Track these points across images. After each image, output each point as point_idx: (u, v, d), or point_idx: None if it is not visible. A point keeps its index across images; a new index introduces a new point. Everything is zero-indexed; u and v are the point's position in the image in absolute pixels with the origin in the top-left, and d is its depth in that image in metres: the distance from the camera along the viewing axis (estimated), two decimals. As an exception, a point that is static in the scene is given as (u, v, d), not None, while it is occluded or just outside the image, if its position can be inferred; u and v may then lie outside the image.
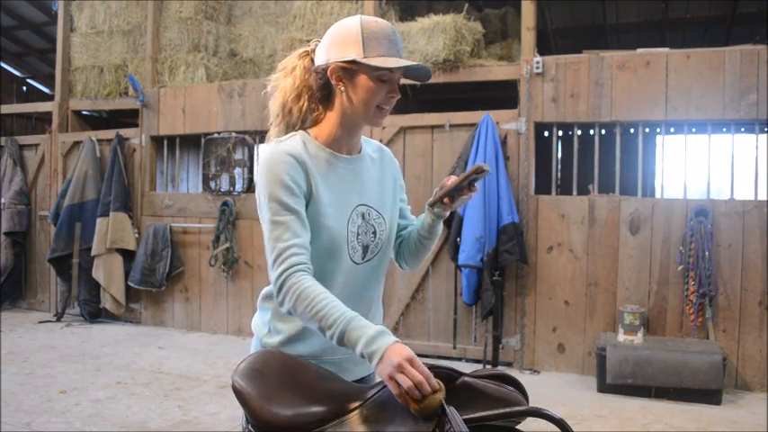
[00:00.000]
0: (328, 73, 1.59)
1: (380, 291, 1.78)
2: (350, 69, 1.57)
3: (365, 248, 1.65)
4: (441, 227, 1.77)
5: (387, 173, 1.78)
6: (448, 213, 1.74)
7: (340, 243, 1.59)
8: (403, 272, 5.66)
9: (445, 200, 1.64)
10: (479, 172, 1.56)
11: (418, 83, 6.17)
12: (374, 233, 1.67)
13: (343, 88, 1.59)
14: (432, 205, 1.67)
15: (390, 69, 1.56)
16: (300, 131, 1.64)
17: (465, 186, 1.62)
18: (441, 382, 1.31)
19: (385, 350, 1.32)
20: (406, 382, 1.27)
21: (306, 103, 1.65)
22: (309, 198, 1.56)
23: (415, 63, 1.57)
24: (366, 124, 1.65)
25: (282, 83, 1.67)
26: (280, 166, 1.53)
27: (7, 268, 7.44)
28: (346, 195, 1.63)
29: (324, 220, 1.57)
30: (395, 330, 5.74)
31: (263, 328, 1.68)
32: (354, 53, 1.56)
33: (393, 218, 1.74)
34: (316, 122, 1.66)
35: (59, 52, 7.55)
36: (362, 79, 1.56)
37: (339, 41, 1.58)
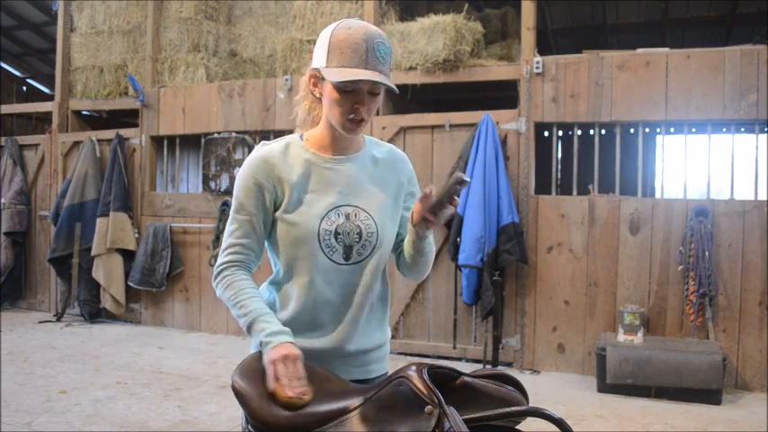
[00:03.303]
0: (307, 78, 1.65)
1: (378, 294, 1.73)
2: (319, 77, 1.60)
3: (348, 248, 1.63)
4: (428, 245, 1.70)
5: (391, 176, 1.74)
6: (430, 234, 1.66)
7: (309, 240, 1.61)
8: (403, 272, 5.66)
9: (429, 217, 1.54)
10: (460, 183, 1.49)
11: (417, 83, 6.14)
12: (359, 234, 1.64)
13: (318, 94, 1.64)
14: (416, 226, 1.59)
15: (340, 83, 1.53)
16: (294, 134, 1.72)
17: (447, 200, 1.53)
18: (310, 389, 1.45)
19: (276, 345, 1.49)
20: (272, 375, 1.45)
21: (308, 103, 1.71)
22: (281, 198, 1.63)
23: (368, 79, 1.52)
24: (342, 132, 1.62)
25: None
26: (249, 169, 1.64)
27: (7, 268, 7.44)
28: (324, 194, 1.64)
29: (292, 217, 1.62)
30: (395, 330, 5.74)
31: None
32: (321, 61, 1.58)
33: (388, 222, 1.69)
34: (317, 122, 1.71)
35: (59, 52, 7.56)
36: (328, 88, 1.58)
37: (317, 47, 1.61)
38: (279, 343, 1.50)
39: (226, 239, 1.66)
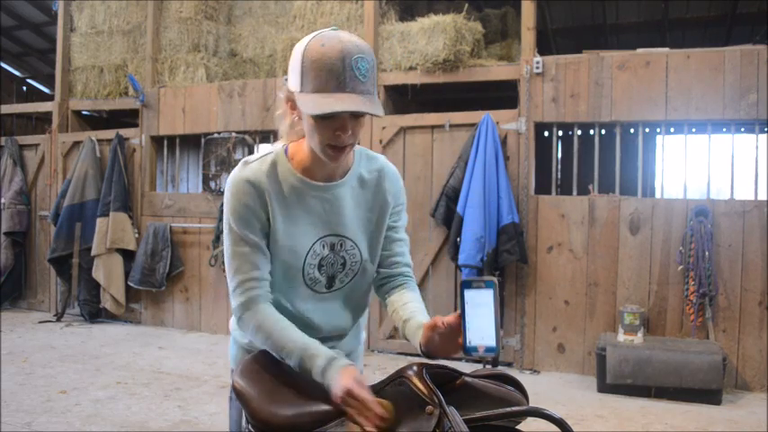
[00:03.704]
0: (284, 100, 1.51)
1: (358, 318, 1.71)
2: (295, 100, 1.44)
3: (330, 278, 1.59)
4: None
5: (378, 197, 1.62)
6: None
7: (294, 275, 1.55)
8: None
9: (439, 352, 1.43)
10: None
11: (417, 83, 6.13)
12: (343, 264, 1.59)
13: (296, 117, 1.48)
14: (424, 353, 1.47)
15: (316, 116, 1.37)
16: (279, 148, 1.57)
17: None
18: (387, 403, 1.35)
19: (334, 379, 1.38)
20: (352, 413, 1.33)
21: (290, 120, 1.54)
22: (269, 225, 1.52)
23: (346, 110, 1.35)
24: (324, 159, 1.48)
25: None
26: (238, 196, 1.50)
27: (7, 268, 7.44)
28: (311, 226, 1.55)
29: (278, 252, 1.53)
30: (395, 330, 5.74)
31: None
32: (295, 83, 1.41)
33: (374, 247, 1.63)
34: (302, 135, 1.55)
35: (59, 52, 7.56)
36: (305, 114, 1.41)
37: (290, 66, 1.45)
38: (335, 375, 1.39)
39: (232, 277, 1.52)
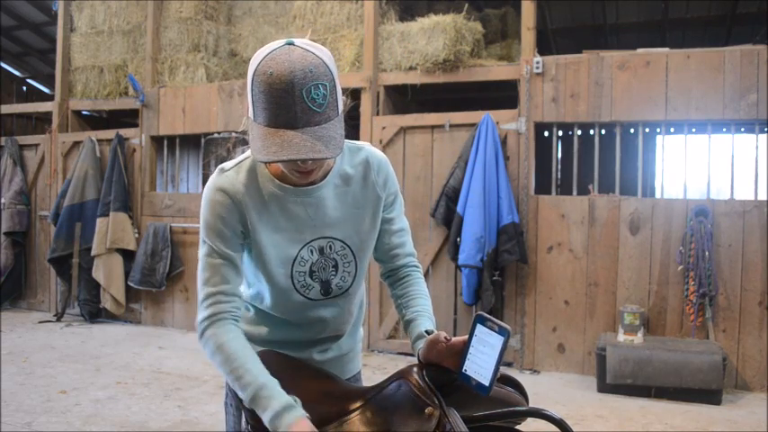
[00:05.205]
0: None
1: (359, 316, 1.67)
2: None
3: (325, 284, 1.52)
4: None
5: (366, 191, 1.54)
6: None
7: (285, 285, 1.50)
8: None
9: (447, 364, 1.36)
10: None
11: (417, 83, 6.12)
12: (335, 267, 1.52)
13: None
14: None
15: (262, 162, 1.31)
16: None
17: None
18: None
19: (287, 428, 1.30)
20: None
21: None
22: (249, 235, 1.46)
23: (293, 158, 1.24)
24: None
25: None
26: (213, 207, 1.44)
27: (7, 268, 7.44)
28: (295, 233, 1.48)
29: (265, 264, 1.47)
30: (395, 330, 5.74)
31: None
32: (250, 109, 1.33)
33: (367, 244, 1.57)
34: None
35: (59, 52, 7.56)
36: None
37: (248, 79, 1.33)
38: (288, 425, 1.30)
39: (201, 288, 1.46)
